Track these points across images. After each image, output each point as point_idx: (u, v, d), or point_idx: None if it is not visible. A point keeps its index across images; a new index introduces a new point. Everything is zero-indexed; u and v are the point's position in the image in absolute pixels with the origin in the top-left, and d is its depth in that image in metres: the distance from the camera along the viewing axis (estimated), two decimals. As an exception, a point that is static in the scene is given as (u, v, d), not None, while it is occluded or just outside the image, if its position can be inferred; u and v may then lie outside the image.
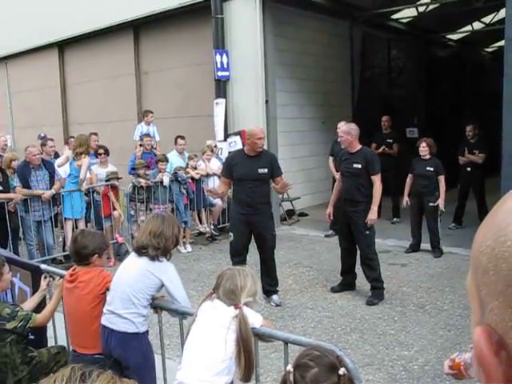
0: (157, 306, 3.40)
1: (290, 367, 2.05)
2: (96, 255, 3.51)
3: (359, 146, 6.41)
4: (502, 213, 0.63)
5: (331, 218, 6.78)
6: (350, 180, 6.39)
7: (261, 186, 6.13)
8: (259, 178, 6.09)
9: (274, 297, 6.33)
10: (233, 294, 2.81)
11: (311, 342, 2.41)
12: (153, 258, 3.26)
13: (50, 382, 0.81)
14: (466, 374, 2.23)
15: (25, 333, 3.60)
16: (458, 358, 2.26)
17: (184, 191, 9.13)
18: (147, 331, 3.39)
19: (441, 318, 5.77)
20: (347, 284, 6.71)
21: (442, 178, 8.04)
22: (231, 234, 6.42)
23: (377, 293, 6.35)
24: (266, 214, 6.27)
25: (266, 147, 10.16)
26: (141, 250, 3.29)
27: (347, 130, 6.39)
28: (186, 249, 8.95)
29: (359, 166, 6.29)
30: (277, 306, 6.22)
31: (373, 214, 6.23)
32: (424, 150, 8.18)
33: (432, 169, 8.07)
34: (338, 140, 6.56)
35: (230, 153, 8.81)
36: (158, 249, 3.26)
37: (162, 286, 3.34)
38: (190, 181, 9.24)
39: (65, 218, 8.26)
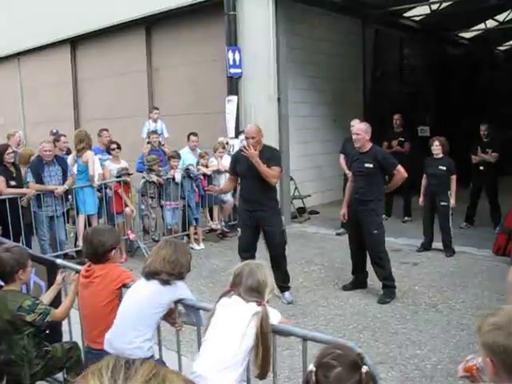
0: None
1: (312, 367, 2.04)
2: (113, 250, 3.53)
3: (370, 145, 6.42)
4: None
5: (346, 218, 6.71)
6: (361, 179, 6.40)
7: (263, 182, 6.11)
8: (259, 174, 6.10)
9: (287, 294, 6.33)
10: (256, 291, 2.80)
11: (330, 339, 2.41)
12: (164, 282, 3.17)
13: (95, 370, 0.82)
14: (480, 378, 2.23)
15: (43, 327, 3.63)
16: (471, 361, 2.26)
17: (196, 188, 9.15)
18: (153, 356, 3.29)
19: (453, 317, 5.75)
20: (359, 282, 6.71)
21: (453, 178, 8.01)
22: (239, 229, 6.50)
23: (388, 291, 6.36)
24: (271, 210, 6.26)
25: (277, 145, 10.23)
26: (153, 275, 3.20)
27: (365, 129, 6.40)
28: (199, 245, 8.97)
29: (371, 165, 6.30)
30: (288, 303, 6.21)
31: (388, 189, 6.75)
32: (437, 148, 8.15)
33: (444, 168, 8.04)
34: (354, 138, 6.47)
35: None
36: (172, 274, 3.19)
37: (169, 306, 3.29)
38: (202, 177, 9.25)
39: (77, 213, 8.29)
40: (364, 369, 1.95)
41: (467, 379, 2.31)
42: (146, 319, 3.21)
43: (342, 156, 9.52)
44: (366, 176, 6.34)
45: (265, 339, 2.67)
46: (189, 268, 3.30)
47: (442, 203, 8.02)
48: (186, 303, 3.29)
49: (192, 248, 8.76)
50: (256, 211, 6.18)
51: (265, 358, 2.66)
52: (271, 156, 6.20)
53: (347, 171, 8.79)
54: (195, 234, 9.07)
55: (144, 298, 3.21)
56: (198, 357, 2.84)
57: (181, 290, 3.27)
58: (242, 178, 6.43)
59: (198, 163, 9.42)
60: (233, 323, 2.76)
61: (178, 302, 3.29)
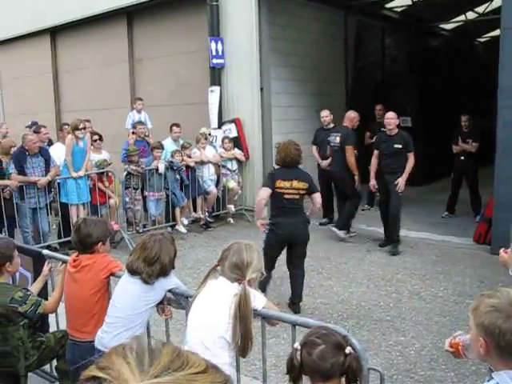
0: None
1: (297, 345, 2.08)
2: (100, 243, 3.51)
3: (397, 130, 7.91)
4: None
5: (376, 187, 8.19)
6: (391, 157, 7.84)
7: None
8: None
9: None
10: (238, 268, 2.81)
11: (319, 324, 2.44)
12: (146, 282, 3.16)
13: (119, 350, 0.84)
14: (463, 355, 2.30)
15: (34, 318, 3.61)
16: (458, 338, 2.32)
17: (178, 177, 9.14)
18: None
19: (436, 304, 5.85)
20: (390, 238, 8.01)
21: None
22: None
23: (396, 245, 7.80)
24: None
25: (260, 135, 10.26)
26: (134, 273, 3.18)
27: (394, 115, 7.95)
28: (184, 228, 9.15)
29: (400, 146, 7.76)
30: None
31: (402, 180, 7.72)
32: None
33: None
34: (386, 122, 7.90)
35: None
36: (151, 276, 3.15)
37: (160, 299, 3.29)
38: (184, 168, 9.24)
39: (69, 204, 8.19)
40: (348, 350, 1.98)
41: (451, 354, 2.37)
42: (139, 318, 3.21)
43: (314, 147, 9.63)
44: (395, 154, 7.79)
45: (243, 319, 2.65)
46: (172, 265, 3.26)
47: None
48: (175, 291, 3.30)
49: (178, 230, 8.93)
50: None
51: (244, 338, 2.65)
52: None
53: (320, 161, 9.08)
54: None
55: (132, 297, 3.20)
56: (185, 341, 2.85)
57: (168, 282, 3.28)
58: None
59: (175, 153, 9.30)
60: (217, 305, 2.76)
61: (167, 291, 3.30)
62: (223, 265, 2.88)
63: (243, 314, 2.66)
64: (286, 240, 5.77)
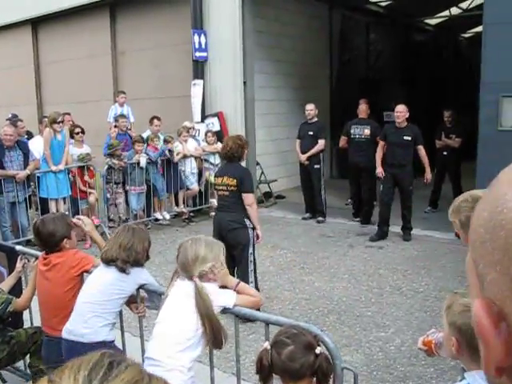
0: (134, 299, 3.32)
1: (267, 344, 2.04)
2: (65, 239, 3.43)
3: (406, 122, 8.07)
4: (497, 185, 0.63)
5: (383, 174, 8.21)
6: (400, 149, 7.96)
7: None
8: None
9: None
10: (185, 267, 2.75)
11: (292, 323, 2.40)
12: (121, 269, 3.12)
13: (75, 364, 0.77)
14: (436, 353, 2.28)
15: (5, 316, 3.53)
16: (431, 336, 2.31)
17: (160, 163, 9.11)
18: (113, 340, 3.25)
19: (417, 299, 5.84)
20: (382, 233, 8.13)
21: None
22: None
23: (408, 232, 8.15)
24: None
25: (243, 129, 10.19)
26: (109, 262, 3.14)
27: (404, 108, 8.05)
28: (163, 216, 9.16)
29: (409, 138, 7.96)
30: None
31: (428, 173, 8.13)
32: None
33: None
34: (397, 115, 8.05)
35: None
36: (127, 262, 3.12)
37: (132, 292, 3.24)
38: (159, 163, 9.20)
39: (49, 199, 8.08)
40: (318, 350, 1.94)
41: (424, 352, 2.35)
42: (108, 305, 3.15)
43: (298, 141, 9.59)
44: (404, 146, 7.95)
45: (203, 314, 2.60)
46: (146, 255, 3.22)
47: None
48: (148, 288, 3.24)
49: (159, 219, 9.05)
50: None
51: (212, 331, 2.59)
52: None
53: (300, 156, 9.49)
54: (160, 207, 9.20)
55: (104, 284, 3.15)
56: (150, 340, 2.79)
57: (141, 275, 3.22)
58: None
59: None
60: (182, 303, 2.71)
61: (140, 287, 3.24)
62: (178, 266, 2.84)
63: (201, 310, 2.61)
64: (218, 234, 5.33)
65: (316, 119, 9.43)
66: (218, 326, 2.61)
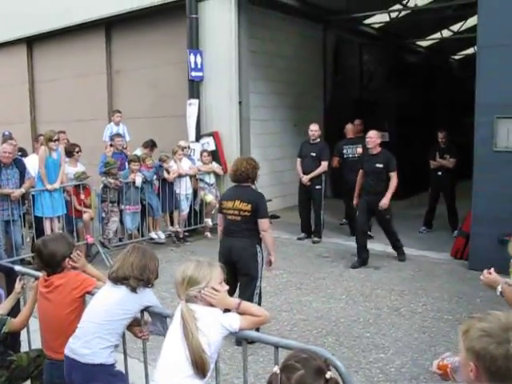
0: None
1: (276, 369, 2.01)
2: (67, 259, 3.41)
3: (379, 149, 7.93)
4: None
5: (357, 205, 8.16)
6: (373, 176, 7.88)
7: None
8: None
9: None
10: (176, 289, 2.74)
11: (302, 346, 2.37)
12: (132, 288, 3.09)
13: None
14: (452, 377, 2.24)
15: (1, 337, 3.47)
16: (447, 360, 2.27)
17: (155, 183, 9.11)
18: (114, 363, 3.20)
19: (415, 320, 5.82)
20: (363, 261, 7.87)
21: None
22: None
23: (401, 251, 8.12)
24: None
25: (238, 149, 10.20)
26: (121, 281, 3.10)
27: (375, 134, 7.95)
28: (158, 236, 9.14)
29: (381, 165, 7.82)
30: None
31: (386, 199, 7.73)
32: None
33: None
34: (367, 141, 7.95)
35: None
36: (140, 280, 3.10)
37: (136, 314, 3.20)
38: (156, 183, 9.17)
39: (44, 218, 8.02)
40: (328, 375, 1.92)
41: (439, 376, 2.31)
42: (112, 326, 3.11)
43: (298, 160, 9.58)
44: (377, 173, 7.84)
45: (187, 339, 2.56)
46: (157, 274, 3.21)
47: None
48: (152, 311, 3.20)
49: (153, 238, 9.04)
50: None
51: (193, 354, 2.55)
52: None
53: (302, 175, 9.39)
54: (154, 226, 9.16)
55: (111, 304, 3.10)
56: (157, 366, 2.73)
57: (148, 296, 3.19)
58: None
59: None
60: (179, 327, 2.67)
61: (144, 310, 3.21)
62: None
63: (184, 333, 2.59)
64: (226, 261, 4.85)
65: (319, 140, 9.45)
66: (198, 351, 2.55)
